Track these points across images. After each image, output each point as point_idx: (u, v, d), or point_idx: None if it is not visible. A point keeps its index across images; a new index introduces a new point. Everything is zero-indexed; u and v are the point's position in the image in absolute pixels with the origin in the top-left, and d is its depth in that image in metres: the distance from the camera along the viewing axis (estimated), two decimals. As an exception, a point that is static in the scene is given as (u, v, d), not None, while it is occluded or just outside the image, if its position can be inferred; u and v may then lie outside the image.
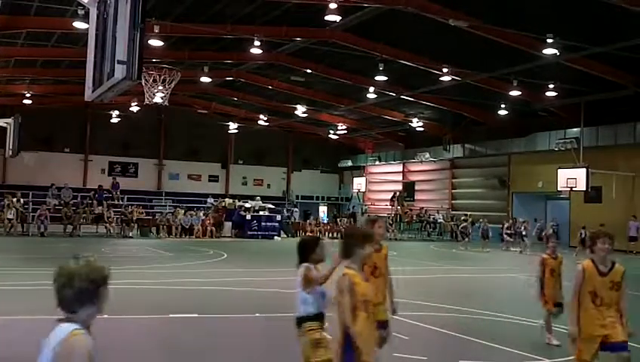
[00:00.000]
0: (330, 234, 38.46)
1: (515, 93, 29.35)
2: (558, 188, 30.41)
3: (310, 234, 37.09)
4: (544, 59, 24.69)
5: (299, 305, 5.72)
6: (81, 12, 20.02)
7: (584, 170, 29.11)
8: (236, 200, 38.47)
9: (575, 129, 32.57)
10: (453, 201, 43.27)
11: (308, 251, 5.77)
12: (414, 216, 42.35)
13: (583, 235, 26.35)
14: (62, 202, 35.07)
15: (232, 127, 44.66)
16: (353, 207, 47.44)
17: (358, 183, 47.45)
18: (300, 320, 5.67)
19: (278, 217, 37.04)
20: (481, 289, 16.75)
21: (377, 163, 48.78)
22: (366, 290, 4.72)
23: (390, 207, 43.99)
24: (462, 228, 34.40)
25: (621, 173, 30.40)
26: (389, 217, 40.89)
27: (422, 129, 41.16)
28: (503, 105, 33.57)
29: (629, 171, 30.51)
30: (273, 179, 50.00)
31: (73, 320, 2.85)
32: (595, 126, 31.72)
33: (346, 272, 4.73)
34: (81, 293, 2.83)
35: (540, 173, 34.86)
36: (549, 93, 29.71)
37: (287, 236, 37.41)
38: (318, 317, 5.68)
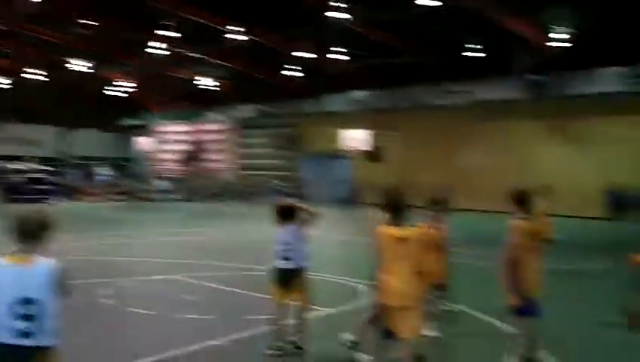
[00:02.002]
0: (114, 197, 36.41)
1: (304, 54, 29.65)
2: (344, 148, 31.44)
3: (93, 198, 34.78)
4: (333, 23, 25.04)
5: None
6: None
7: (368, 131, 30.35)
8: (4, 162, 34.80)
9: (361, 91, 33.94)
10: (243, 161, 43.15)
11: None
12: (204, 176, 41.65)
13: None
14: None
15: (1, 81, 40.09)
16: (140, 168, 45.44)
17: (145, 143, 45.49)
18: None
19: (52, 179, 34.16)
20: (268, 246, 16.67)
21: (166, 122, 47.09)
22: None
23: (180, 167, 42.84)
24: (248, 187, 34.49)
25: (401, 134, 32.14)
26: (179, 178, 39.81)
27: (212, 88, 40.26)
28: (293, 66, 33.78)
29: (408, 132, 32.36)
30: (49, 138, 45.96)
31: None
32: (380, 89, 33.26)
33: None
34: None
35: (328, 133, 35.75)
36: (337, 56, 30.35)
37: (64, 200, 34.65)
38: None
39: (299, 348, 6.84)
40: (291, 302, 6.80)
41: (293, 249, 6.70)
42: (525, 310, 6.29)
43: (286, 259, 6.71)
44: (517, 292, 6.27)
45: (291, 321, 6.95)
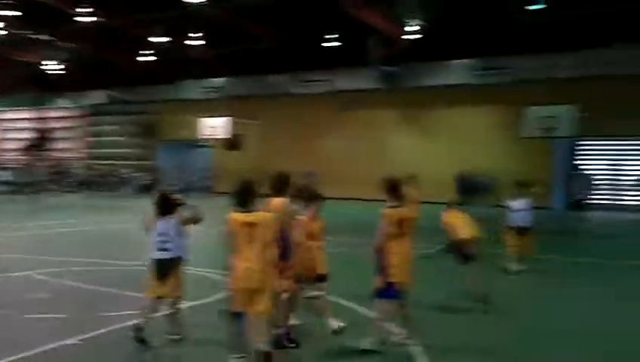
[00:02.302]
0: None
1: (161, 39, 28.77)
2: (202, 136, 30.91)
3: None
4: (190, 8, 24.45)
5: None
6: None
7: (226, 118, 30.01)
8: None
9: (220, 78, 33.63)
10: (95, 150, 41.20)
11: None
12: (51, 166, 39.32)
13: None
14: None
15: None
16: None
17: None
18: None
19: None
20: (122, 239, 16.01)
21: (6, 109, 43.93)
22: None
23: (23, 157, 40.18)
24: (100, 178, 33.12)
25: (259, 122, 32.11)
26: (21, 168, 37.27)
27: (59, 72, 37.97)
28: (149, 51, 32.64)
29: (268, 120, 32.37)
30: None
31: None
32: (239, 76, 33.03)
33: None
34: None
35: (186, 121, 34.92)
36: (195, 42, 29.72)
37: None
38: None
39: (177, 339, 6.79)
40: (162, 295, 6.74)
41: (171, 240, 6.72)
42: (387, 293, 6.48)
43: (163, 250, 6.70)
44: (382, 277, 6.45)
45: (162, 313, 6.91)
